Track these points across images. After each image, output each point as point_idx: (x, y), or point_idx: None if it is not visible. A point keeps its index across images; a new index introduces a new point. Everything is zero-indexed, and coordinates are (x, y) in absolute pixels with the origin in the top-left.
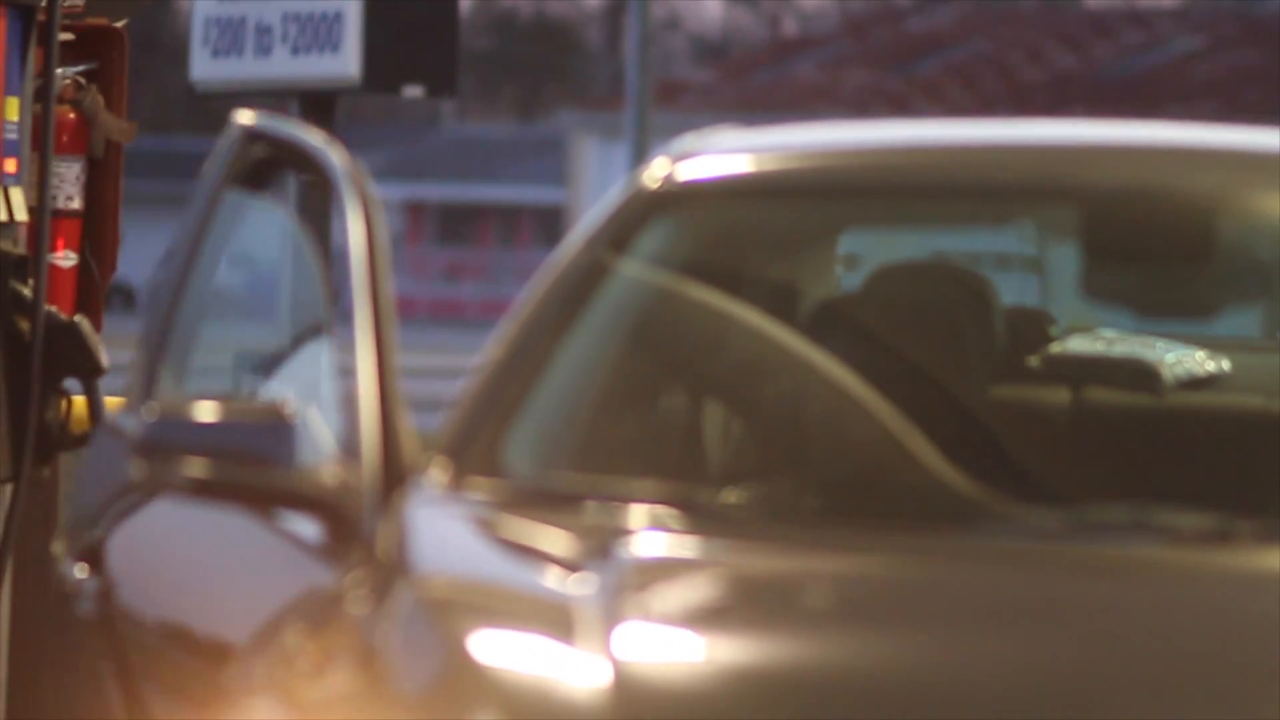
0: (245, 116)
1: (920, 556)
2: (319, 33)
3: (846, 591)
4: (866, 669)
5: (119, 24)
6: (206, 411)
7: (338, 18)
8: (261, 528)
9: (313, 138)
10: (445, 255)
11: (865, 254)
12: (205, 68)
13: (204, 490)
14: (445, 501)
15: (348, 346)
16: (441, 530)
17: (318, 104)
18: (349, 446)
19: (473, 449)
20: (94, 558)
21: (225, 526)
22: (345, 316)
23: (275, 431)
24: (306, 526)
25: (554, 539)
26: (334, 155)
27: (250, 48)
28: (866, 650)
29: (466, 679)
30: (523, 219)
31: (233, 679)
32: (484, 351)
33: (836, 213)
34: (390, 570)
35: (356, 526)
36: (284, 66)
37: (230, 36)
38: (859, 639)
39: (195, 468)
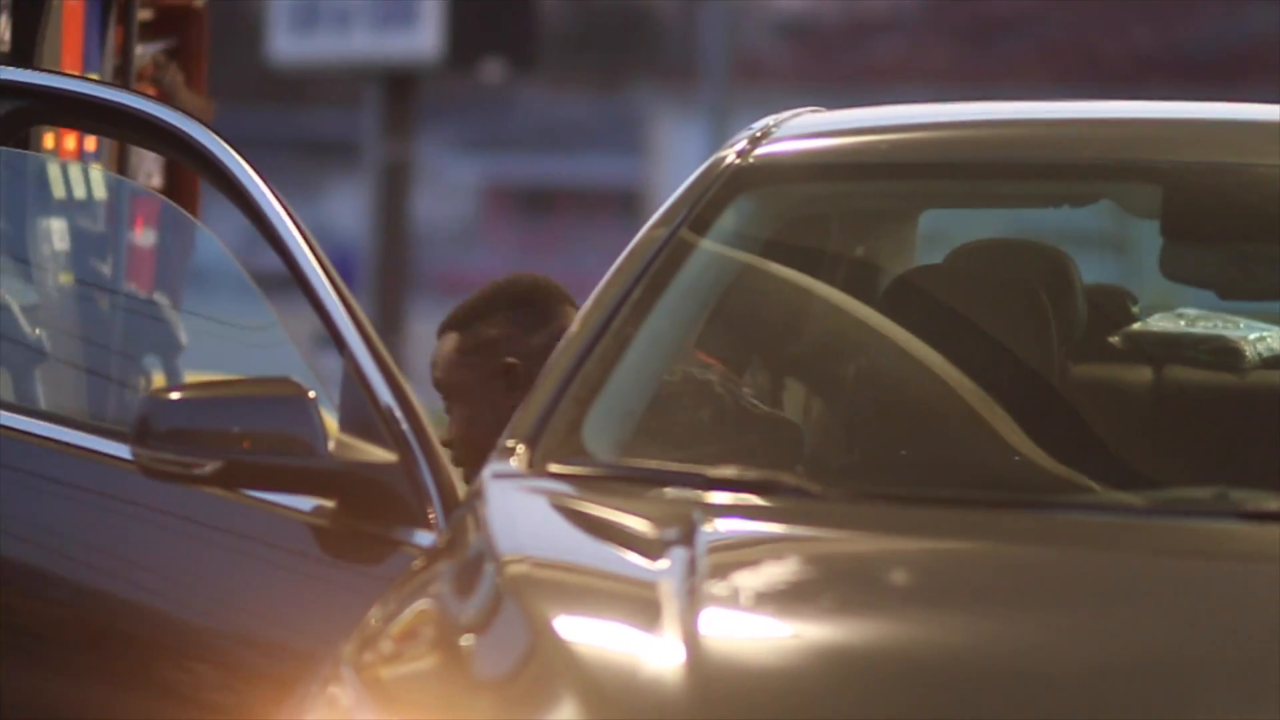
0: None
1: (1001, 536)
2: (398, 8)
3: (928, 571)
4: (949, 649)
5: (199, 2)
6: (211, 389)
7: None
8: (291, 511)
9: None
10: (523, 233)
11: (946, 232)
12: (284, 45)
13: (232, 476)
14: (525, 484)
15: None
16: (523, 513)
17: (398, 80)
18: (360, 423)
19: (552, 431)
20: None
21: (252, 513)
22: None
23: (296, 409)
24: (348, 507)
25: (635, 521)
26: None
27: (329, 24)
28: (949, 631)
29: (549, 661)
30: (601, 197)
31: (301, 672)
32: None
33: (917, 191)
34: (471, 553)
35: (413, 507)
36: (363, 43)
37: (309, 13)
38: (941, 619)
39: (216, 451)
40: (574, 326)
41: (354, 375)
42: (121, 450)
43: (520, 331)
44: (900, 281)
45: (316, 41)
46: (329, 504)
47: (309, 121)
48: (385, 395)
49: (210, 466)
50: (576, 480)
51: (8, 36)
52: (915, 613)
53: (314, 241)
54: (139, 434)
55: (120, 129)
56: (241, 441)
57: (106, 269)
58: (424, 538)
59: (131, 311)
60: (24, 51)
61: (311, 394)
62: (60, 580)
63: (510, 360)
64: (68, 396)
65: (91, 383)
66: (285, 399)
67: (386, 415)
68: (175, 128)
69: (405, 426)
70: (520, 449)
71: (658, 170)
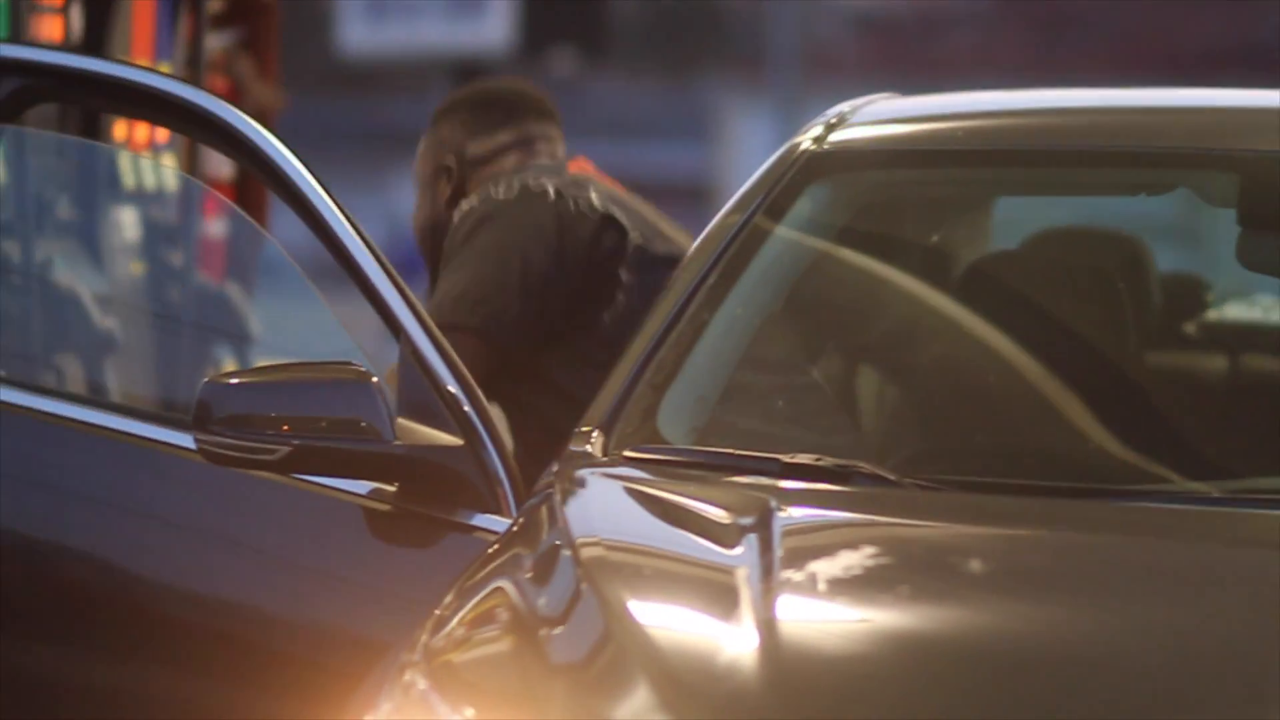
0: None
1: (1076, 525)
2: None
3: (1003, 559)
4: (1023, 637)
5: None
6: (272, 374)
7: None
8: (354, 496)
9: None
10: None
11: (1021, 220)
12: (354, 36)
13: (298, 461)
14: (601, 470)
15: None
16: (598, 499)
17: (468, 70)
18: (419, 407)
19: (628, 417)
20: None
21: (316, 500)
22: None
23: (360, 394)
24: (413, 492)
25: (711, 507)
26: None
27: (399, 15)
28: (1023, 619)
29: (625, 647)
30: (670, 186)
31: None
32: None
33: (991, 179)
34: (546, 539)
35: (481, 491)
36: (433, 33)
37: (380, 4)
38: (1015, 607)
39: (284, 436)
40: (648, 314)
41: (413, 360)
42: (184, 440)
43: (465, 135)
44: (975, 268)
45: (387, 32)
46: (391, 488)
47: (379, 112)
48: (448, 379)
49: (276, 452)
50: (652, 466)
51: (79, 27)
52: (990, 600)
53: (361, 227)
54: (200, 419)
55: (143, 109)
56: (309, 425)
57: (177, 259)
58: (493, 522)
59: (202, 302)
60: (95, 42)
61: (374, 379)
62: (124, 572)
63: (447, 162)
64: (138, 385)
65: (161, 371)
66: (348, 383)
67: (449, 399)
68: (212, 113)
69: (469, 410)
70: (595, 435)
71: (727, 160)
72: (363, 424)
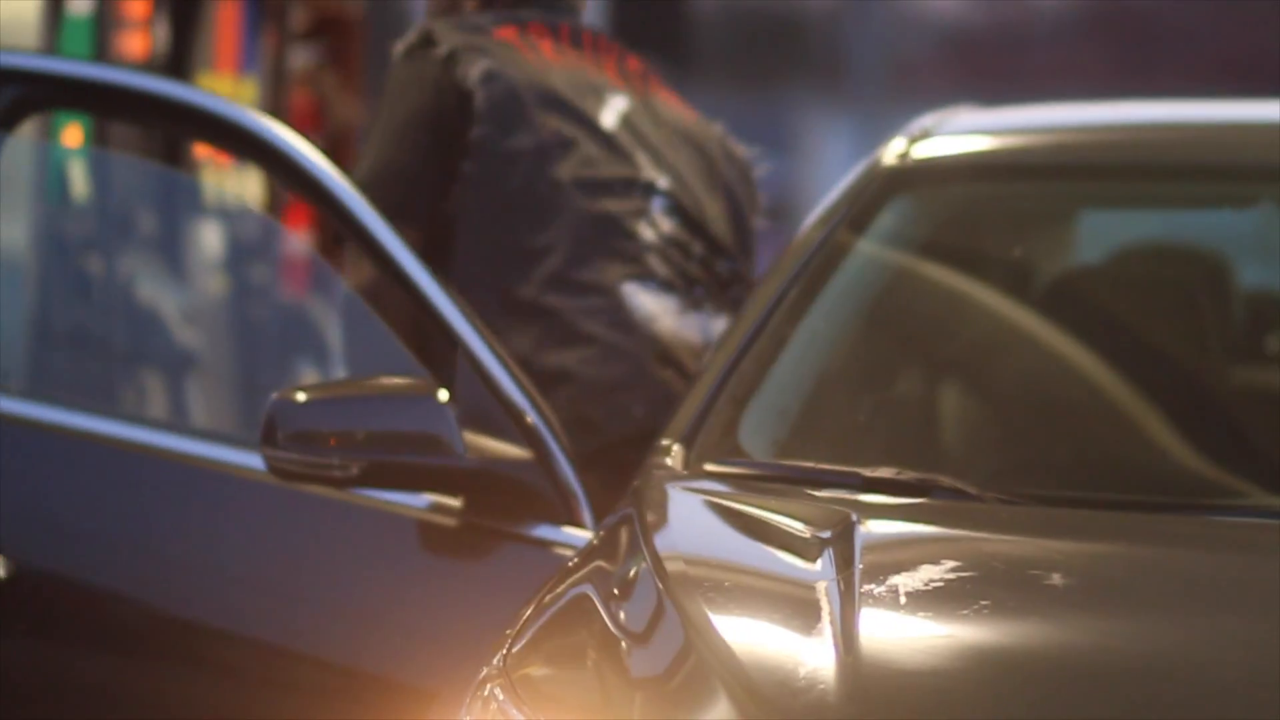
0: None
1: (1158, 540)
2: None
3: (1085, 574)
4: (1106, 653)
5: (356, 11)
6: (340, 389)
7: None
8: (425, 513)
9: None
10: None
11: (1104, 233)
12: None
13: (370, 476)
14: (682, 484)
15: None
16: (679, 513)
17: None
18: (477, 420)
19: (708, 432)
20: None
21: (380, 516)
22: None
23: (430, 408)
24: (483, 506)
25: (792, 521)
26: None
27: None
28: (1106, 634)
29: (706, 661)
30: None
31: (441, 678)
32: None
33: (1076, 192)
34: (626, 553)
35: (555, 504)
36: None
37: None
38: (1098, 623)
39: (355, 451)
40: (729, 327)
41: (473, 371)
42: (250, 460)
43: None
44: (1057, 283)
45: None
46: (461, 503)
47: None
48: (512, 391)
49: (348, 467)
50: (733, 480)
51: (164, 42)
52: (1072, 616)
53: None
54: (269, 436)
55: (166, 120)
56: (379, 440)
57: (261, 275)
58: (569, 535)
59: (285, 317)
60: (179, 56)
61: (443, 392)
62: (190, 594)
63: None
64: (219, 402)
65: (242, 388)
66: (417, 398)
67: (514, 410)
68: (244, 125)
69: (535, 421)
70: (676, 448)
71: (808, 172)
72: (433, 438)
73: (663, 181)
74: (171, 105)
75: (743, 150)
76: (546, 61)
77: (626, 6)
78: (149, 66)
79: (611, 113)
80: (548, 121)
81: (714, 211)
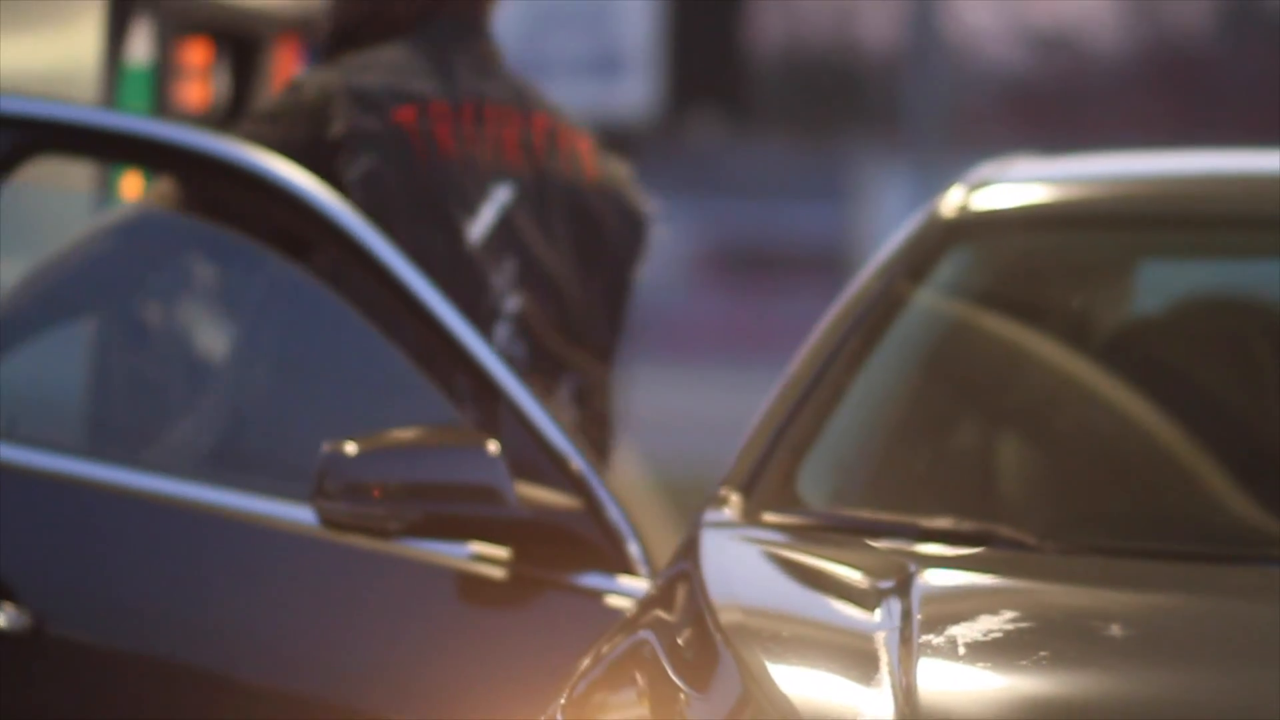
0: None
1: (1218, 590)
2: (609, 59)
3: (1144, 625)
4: (1165, 703)
5: None
6: (390, 441)
7: (628, 45)
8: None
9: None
10: (733, 283)
11: (1163, 284)
12: None
13: (422, 528)
14: (740, 533)
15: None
16: (737, 562)
17: (608, 131)
18: (527, 472)
19: (766, 481)
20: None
21: (432, 568)
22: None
23: (480, 458)
24: (534, 556)
25: (850, 571)
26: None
27: (541, 75)
28: (1164, 684)
29: (765, 712)
30: (810, 246)
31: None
32: (775, 383)
33: (1136, 242)
34: (684, 603)
35: (607, 553)
36: (573, 93)
37: (521, 63)
38: (1157, 674)
39: (407, 503)
40: (787, 376)
41: (517, 420)
42: (299, 514)
43: None
44: (1117, 334)
45: None
46: (510, 553)
47: None
48: (557, 440)
49: (399, 519)
50: (791, 530)
51: (224, 90)
52: (1131, 667)
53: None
54: (320, 487)
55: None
56: (430, 491)
57: (310, 323)
58: (622, 584)
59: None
60: (239, 104)
61: (493, 443)
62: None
63: None
64: (273, 452)
65: (297, 436)
66: (467, 449)
67: (559, 459)
68: (261, 172)
69: (584, 469)
70: (734, 498)
71: (866, 222)
72: (485, 488)
73: (512, 303)
74: (176, 151)
75: (643, 202)
76: (437, 156)
77: (686, 57)
78: (209, 116)
79: (489, 213)
80: (414, 233)
81: (577, 304)
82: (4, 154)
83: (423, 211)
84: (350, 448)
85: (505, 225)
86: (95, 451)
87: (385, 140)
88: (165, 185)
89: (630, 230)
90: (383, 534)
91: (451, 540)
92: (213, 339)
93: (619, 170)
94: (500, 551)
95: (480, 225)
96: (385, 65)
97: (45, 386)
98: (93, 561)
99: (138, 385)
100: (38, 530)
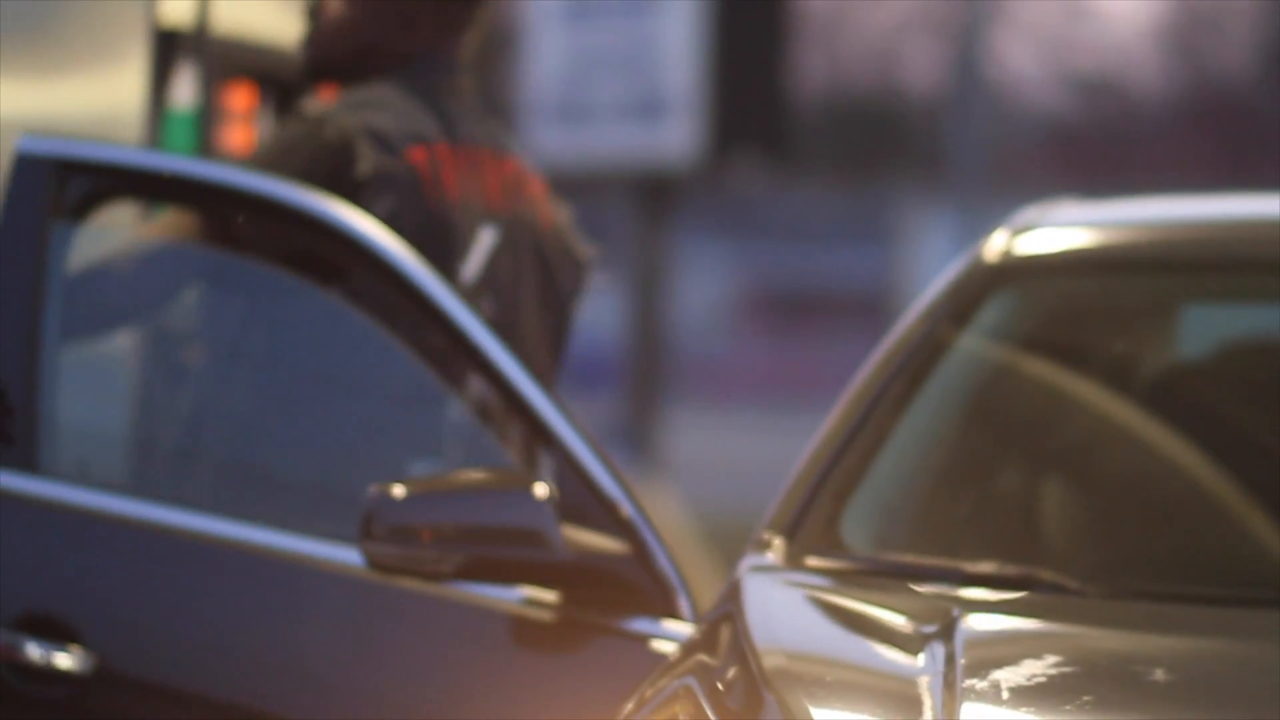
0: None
1: (1261, 635)
2: (654, 105)
3: (1188, 669)
4: None
5: None
6: (437, 484)
7: (671, 90)
8: (522, 607)
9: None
10: (775, 327)
11: (1207, 328)
12: (541, 140)
13: (467, 570)
14: (783, 577)
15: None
16: (780, 606)
17: (652, 176)
18: (579, 515)
19: (809, 525)
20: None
21: (477, 610)
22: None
23: (526, 502)
24: (582, 600)
25: (893, 615)
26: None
27: (585, 120)
28: None
29: None
30: (852, 291)
31: None
32: (818, 427)
33: (1177, 287)
34: (728, 647)
35: (653, 597)
36: (618, 139)
37: (566, 109)
38: (1201, 717)
39: (452, 545)
40: (830, 421)
41: (568, 464)
42: (346, 555)
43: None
44: (1160, 378)
45: (571, 137)
46: (556, 597)
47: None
48: (607, 484)
49: (445, 561)
50: (834, 574)
51: (266, 129)
52: (1175, 711)
53: (492, 329)
54: (367, 530)
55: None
56: (476, 534)
57: (366, 366)
58: (667, 628)
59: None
60: None
61: (540, 486)
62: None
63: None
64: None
65: (347, 487)
66: (514, 492)
67: (609, 504)
68: (312, 210)
69: (632, 514)
70: (777, 542)
71: (909, 265)
72: (531, 532)
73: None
74: (243, 196)
75: (585, 247)
76: (443, 196)
77: (728, 101)
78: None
79: (478, 254)
80: None
81: (536, 345)
82: (81, 199)
83: (428, 252)
84: (398, 490)
85: (489, 267)
86: (151, 491)
87: (403, 181)
88: (182, 217)
89: (576, 273)
90: (431, 577)
91: (499, 584)
92: (264, 377)
93: (564, 214)
94: (547, 595)
95: (470, 267)
96: (391, 105)
97: (97, 423)
98: (152, 602)
99: (186, 422)
100: (99, 572)
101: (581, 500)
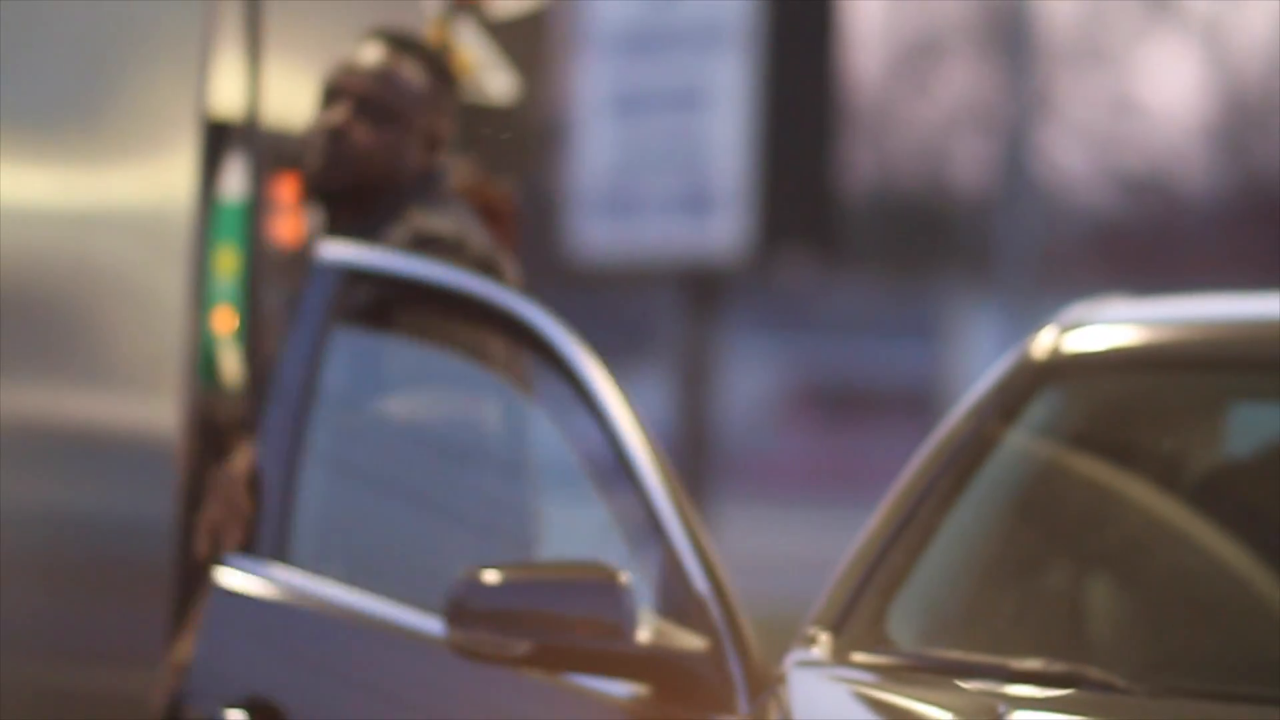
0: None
1: None
2: (702, 198)
3: None
4: None
5: (508, 193)
6: (526, 572)
7: (720, 184)
8: (604, 697)
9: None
10: (823, 422)
11: (1255, 427)
12: (588, 233)
13: (543, 658)
14: (829, 673)
15: (648, 507)
16: (826, 702)
17: (700, 269)
18: (676, 609)
19: (856, 621)
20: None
21: (564, 697)
22: (628, 478)
23: (608, 594)
24: (659, 694)
25: (939, 712)
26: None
27: (633, 213)
28: None
29: None
30: (901, 387)
31: None
32: (865, 523)
33: (1227, 385)
34: None
35: (720, 695)
36: (666, 232)
37: (613, 202)
38: None
39: (527, 632)
40: (877, 517)
41: (669, 560)
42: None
43: (441, 102)
44: (1207, 476)
45: (620, 230)
46: (643, 689)
47: (612, 309)
48: (700, 582)
49: (522, 648)
50: (880, 670)
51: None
52: None
53: (643, 426)
54: (453, 614)
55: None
56: (554, 623)
57: (464, 453)
58: None
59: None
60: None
61: (624, 578)
62: None
63: (413, 111)
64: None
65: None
66: (598, 583)
67: (697, 601)
68: (508, 308)
69: (717, 615)
70: (824, 636)
71: (957, 361)
72: (609, 623)
73: None
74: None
75: None
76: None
77: (777, 196)
78: (301, 251)
79: None
80: None
81: None
82: (364, 306)
83: None
84: (488, 575)
85: None
86: (368, 584)
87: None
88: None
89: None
90: (506, 662)
91: (570, 671)
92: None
93: None
94: (621, 686)
95: None
96: (465, 219)
97: (349, 519)
98: (354, 689)
99: (391, 515)
100: (312, 659)
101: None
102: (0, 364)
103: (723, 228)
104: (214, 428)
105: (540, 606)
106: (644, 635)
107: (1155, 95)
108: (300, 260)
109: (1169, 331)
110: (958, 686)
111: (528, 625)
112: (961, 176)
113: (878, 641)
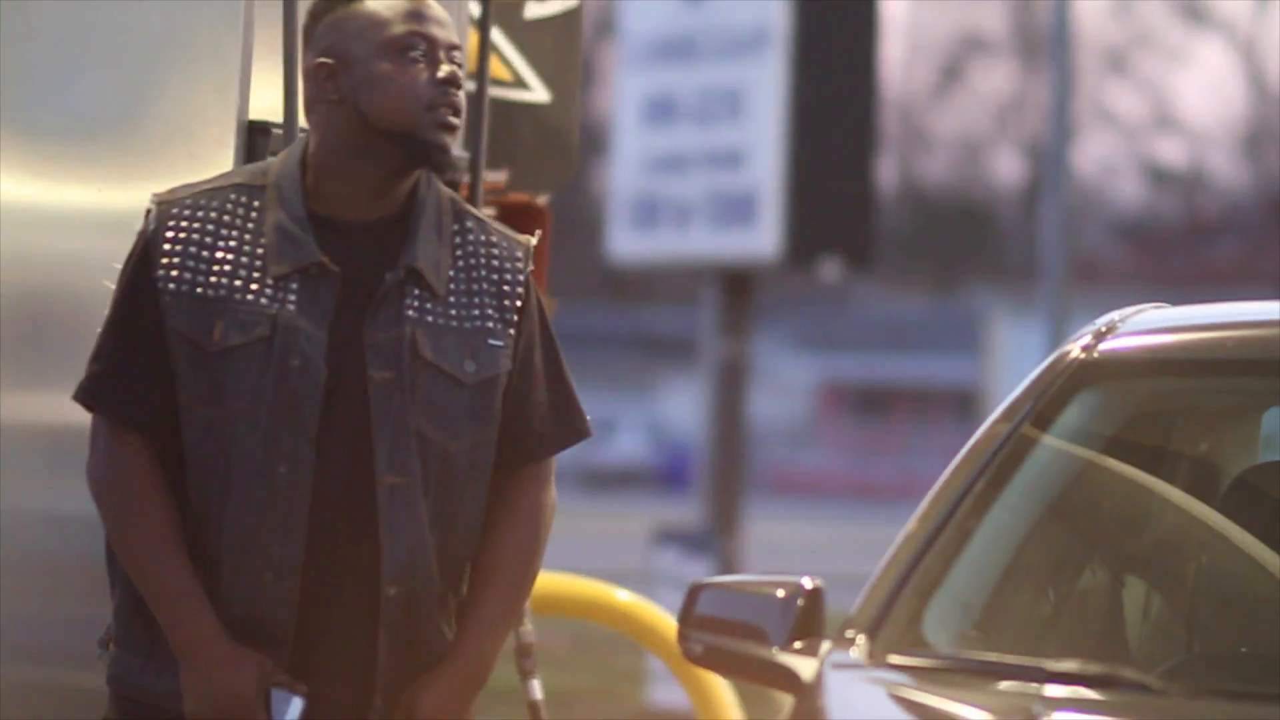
0: None
1: None
2: (737, 207)
3: None
4: None
5: (541, 200)
6: (738, 585)
7: (756, 192)
8: None
9: None
10: (858, 431)
11: None
12: (623, 243)
13: (707, 659)
14: (865, 675)
15: None
16: (862, 703)
17: (736, 279)
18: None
19: (892, 623)
20: None
21: None
22: None
23: (771, 605)
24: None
25: (975, 713)
26: None
27: (668, 223)
28: None
29: None
30: (936, 395)
31: None
32: (902, 527)
33: (1262, 389)
34: None
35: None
36: (702, 241)
37: (649, 211)
38: None
39: (702, 633)
40: (915, 521)
41: None
42: None
43: None
44: (1242, 479)
45: (655, 240)
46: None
47: (647, 318)
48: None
49: (698, 647)
50: (916, 671)
51: None
52: None
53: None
54: (684, 616)
55: None
56: (722, 628)
57: None
58: None
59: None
60: None
61: (812, 588)
62: None
63: None
64: None
65: None
66: (775, 597)
67: None
68: None
69: None
70: (860, 639)
71: (994, 369)
72: (760, 630)
73: None
74: None
75: None
76: None
77: (814, 204)
78: None
79: None
80: None
81: None
82: None
83: None
84: (710, 582)
85: None
86: None
87: None
88: None
89: None
90: (692, 660)
91: (733, 678)
92: None
93: None
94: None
95: None
96: None
97: None
98: None
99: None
100: None
101: None
102: (31, 366)
103: (759, 235)
104: None
105: (732, 614)
106: (785, 647)
107: (1193, 102)
108: None
109: (1205, 335)
110: (994, 688)
111: (712, 628)
112: (999, 183)
113: (914, 643)
